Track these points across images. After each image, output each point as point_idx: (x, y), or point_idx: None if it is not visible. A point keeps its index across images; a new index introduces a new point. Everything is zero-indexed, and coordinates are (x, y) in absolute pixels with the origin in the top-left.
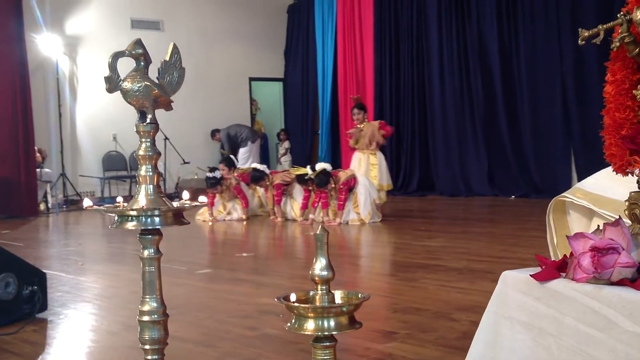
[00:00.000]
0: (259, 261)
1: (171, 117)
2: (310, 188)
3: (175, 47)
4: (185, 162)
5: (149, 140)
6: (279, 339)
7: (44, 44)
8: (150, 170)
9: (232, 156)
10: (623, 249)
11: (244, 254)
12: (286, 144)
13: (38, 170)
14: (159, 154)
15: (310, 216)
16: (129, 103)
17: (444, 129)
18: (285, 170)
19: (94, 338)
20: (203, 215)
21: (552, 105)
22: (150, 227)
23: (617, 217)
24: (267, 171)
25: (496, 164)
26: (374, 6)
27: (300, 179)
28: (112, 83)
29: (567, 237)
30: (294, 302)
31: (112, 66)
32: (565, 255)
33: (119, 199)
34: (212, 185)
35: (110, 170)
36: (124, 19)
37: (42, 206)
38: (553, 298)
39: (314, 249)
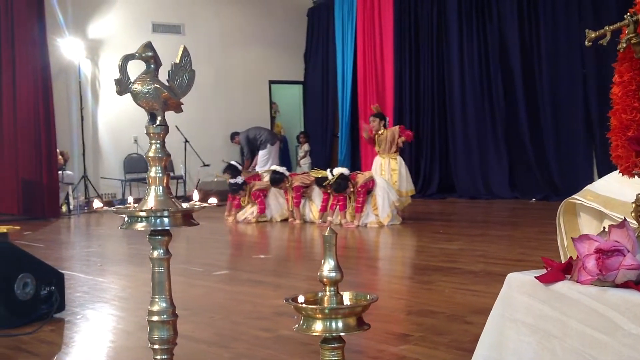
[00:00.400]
0: (277, 263)
1: (191, 119)
2: (329, 191)
3: (185, 49)
4: (205, 165)
5: (158, 142)
6: (293, 341)
7: (67, 47)
8: (159, 171)
9: (233, 162)
10: (628, 251)
11: (262, 256)
12: (306, 147)
13: (60, 172)
14: (169, 155)
15: (329, 218)
16: (139, 105)
17: (464, 131)
18: (304, 173)
19: (111, 338)
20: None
21: (573, 107)
22: (159, 228)
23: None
24: (287, 173)
25: (517, 166)
26: (394, 8)
27: (319, 182)
28: (122, 85)
29: (572, 239)
30: (301, 304)
31: (122, 69)
32: (570, 257)
33: (130, 199)
34: (235, 191)
35: (131, 173)
36: (145, 22)
37: (63, 208)
38: (558, 300)
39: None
